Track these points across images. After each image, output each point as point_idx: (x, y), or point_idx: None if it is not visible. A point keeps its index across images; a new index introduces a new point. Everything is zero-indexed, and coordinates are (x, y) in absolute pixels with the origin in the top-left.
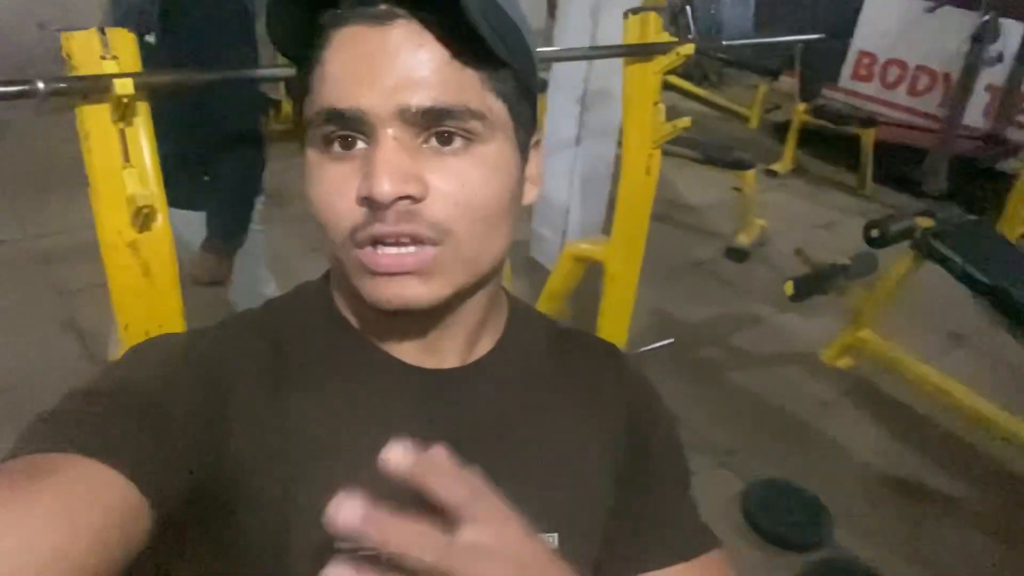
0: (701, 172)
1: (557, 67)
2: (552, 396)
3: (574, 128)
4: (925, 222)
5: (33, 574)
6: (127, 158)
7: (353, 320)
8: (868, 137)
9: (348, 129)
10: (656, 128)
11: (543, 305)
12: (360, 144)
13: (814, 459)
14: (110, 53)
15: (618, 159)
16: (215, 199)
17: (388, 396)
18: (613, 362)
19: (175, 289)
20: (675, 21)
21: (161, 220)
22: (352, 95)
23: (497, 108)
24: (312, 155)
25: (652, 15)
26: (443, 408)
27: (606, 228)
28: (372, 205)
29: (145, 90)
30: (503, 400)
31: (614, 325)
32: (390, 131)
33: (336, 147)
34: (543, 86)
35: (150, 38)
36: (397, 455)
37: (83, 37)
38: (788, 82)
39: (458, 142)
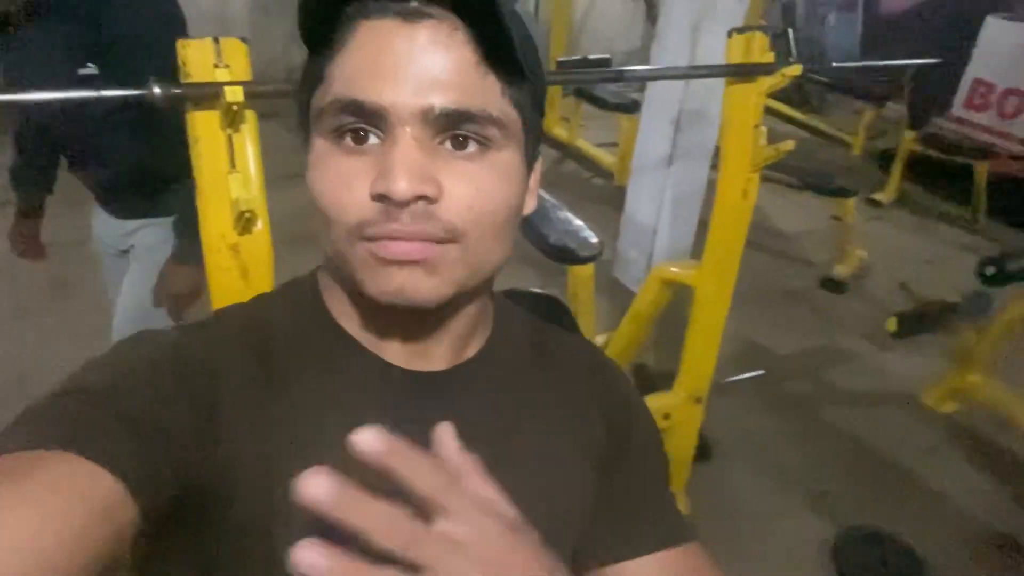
0: (797, 199)
1: (651, 88)
2: (535, 395)
3: (667, 149)
4: None
5: (17, 570)
6: (233, 164)
7: (344, 321)
8: (982, 169)
9: (364, 123)
10: (757, 151)
11: (627, 327)
12: (373, 139)
13: (912, 508)
14: (223, 62)
15: (711, 183)
16: (184, 204)
17: (375, 398)
18: (593, 361)
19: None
20: (776, 44)
21: (261, 225)
22: (374, 89)
23: (513, 117)
24: (321, 145)
25: (758, 34)
26: (430, 410)
27: (695, 253)
28: (388, 203)
29: (253, 99)
30: (489, 401)
31: (701, 353)
32: (409, 129)
33: (348, 140)
34: (635, 107)
35: (88, 69)
36: (367, 439)
37: (198, 45)
38: (894, 109)
39: (473, 147)
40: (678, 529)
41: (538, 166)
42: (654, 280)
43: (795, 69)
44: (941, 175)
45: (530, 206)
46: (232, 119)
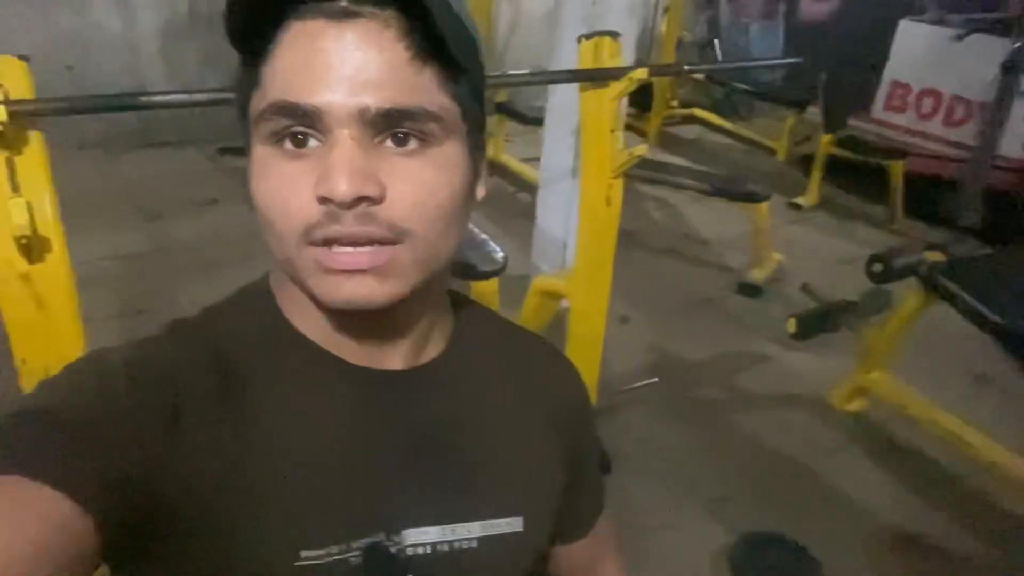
0: (721, 206)
1: (553, 100)
2: (504, 394)
3: (570, 161)
4: (934, 256)
5: None
6: (15, 187)
7: (300, 324)
8: (897, 169)
9: (302, 125)
10: (615, 157)
11: None
12: (313, 142)
13: (815, 510)
14: None
15: None
16: None
17: (338, 400)
18: (555, 362)
19: (74, 323)
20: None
21: (57, 252)
22: (309, 91)
23: (452, 110)
24: (261, 151)
25: (606, 39)
26: (394, 409)
27: None
28: (331, 205)
29: (32, 118)
30: (458, 399)
31: (582, 362)
32: (347, 131)
33: (288, 144)
34: (539, 120)
35: None
36: None
37: None
38: (817, 114)
39: (413, 143)
40: (600, 505)
41: (484, 155)
42: (534, 292)
43: (641, 73)
44: (861, 177)
45: (481, 192)
46: (7, 141)
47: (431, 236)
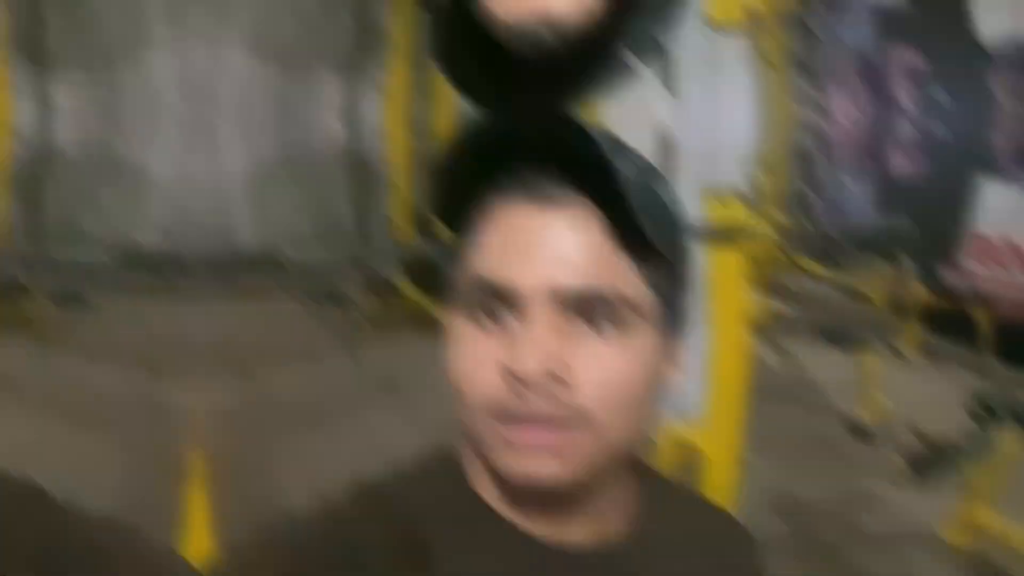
0: (828, 351)
1: None
2: None
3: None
4: None
5: None
6: None
7: (488, 494)
8: (984, 316)
9: (498, 301)
10: (747, 312)
11: None
12: (508, 318)
13: None
14: None
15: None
16: None
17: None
18: (744, 542)
19: None
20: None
21: None
22: (507, 270)
23: (648, 297)
24: (458, 322)
25: (735, 198)
26: None
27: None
28: (516, 383)
29: None
30: None
31: None
32: (539, 310)
33: (483, 318)
34: None
35: None
36: None
37: None
38: (910, 263)
39: (605, 328)
40: None
41: (680, 342)
42: (665, 442)
43: (772, 233)
44: (953, 323)
45: (672, 380)
46: None
47: (614, 421)
